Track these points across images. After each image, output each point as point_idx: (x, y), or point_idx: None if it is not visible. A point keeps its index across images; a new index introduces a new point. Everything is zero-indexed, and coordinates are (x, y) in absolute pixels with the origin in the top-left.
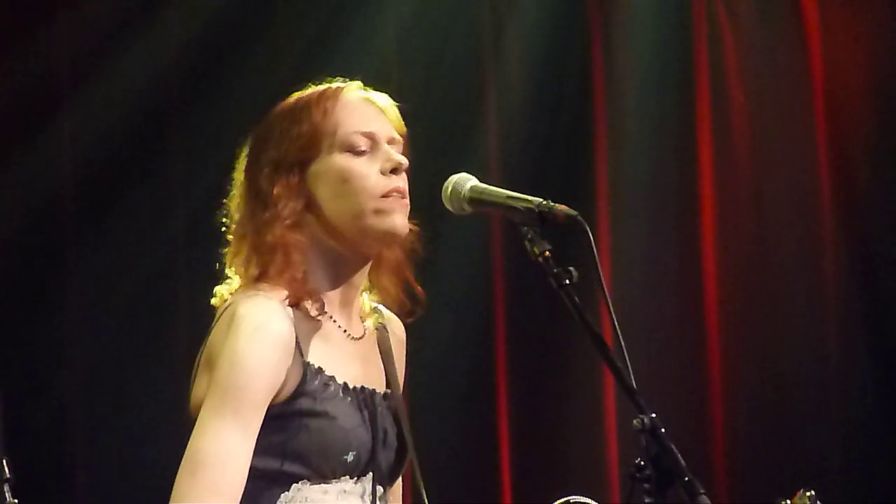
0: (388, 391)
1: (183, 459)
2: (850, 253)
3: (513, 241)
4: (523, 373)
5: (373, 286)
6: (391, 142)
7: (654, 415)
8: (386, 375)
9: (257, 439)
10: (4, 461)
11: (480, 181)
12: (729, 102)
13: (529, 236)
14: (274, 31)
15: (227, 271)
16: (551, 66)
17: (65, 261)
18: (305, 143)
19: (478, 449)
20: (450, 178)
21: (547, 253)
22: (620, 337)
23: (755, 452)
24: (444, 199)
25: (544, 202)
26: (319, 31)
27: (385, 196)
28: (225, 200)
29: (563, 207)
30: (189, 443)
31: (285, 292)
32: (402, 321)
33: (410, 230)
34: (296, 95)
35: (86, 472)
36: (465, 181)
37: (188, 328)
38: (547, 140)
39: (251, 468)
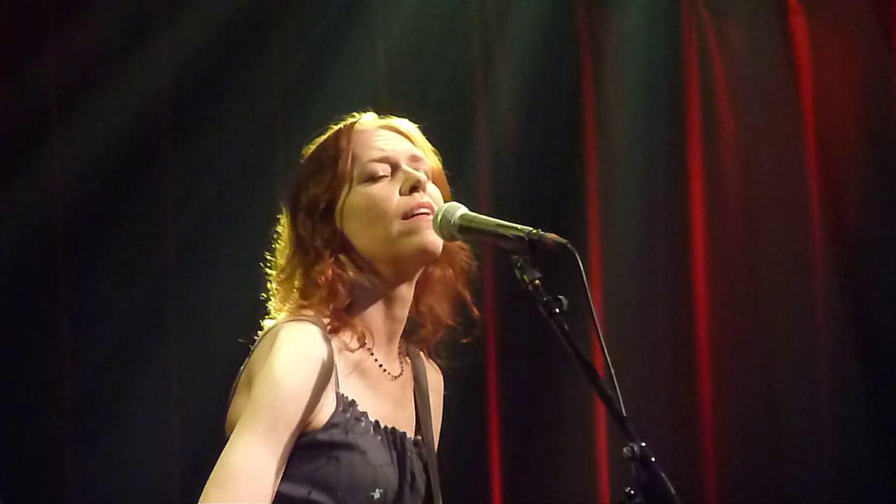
0: (419, 438)
1: (213, 471)
2: (842, 280)
3: (503, 269)
4: (514, 402)
5: (417, 309)
6: (413, 159)
7: (644, 443)
8: (418, 421)
9: (287, 466)
10: None
11: (470, 209)
12: (719, 129)
13: (519, 265)
14: (264, 58)
15: (273, 308)
16: (541, 93)
17: (56, 285)
18: (328, 184)
19: (469, 478)
20: (440, 207)
21: (537, 281)
22: (611, 365)
23: (746, 481)
24: (434, 227)
25: (534, 230)
26: (310, 58)
27: (408, 216)
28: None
29: (553, 236)
30: (221, 456)
31: (328, 321)
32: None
33: (461, 248)
34: (320, 137)
35: (77, 497)
36: (454, 209)
37: (179, 353)
38: (537, 168)
39: (278, 493)
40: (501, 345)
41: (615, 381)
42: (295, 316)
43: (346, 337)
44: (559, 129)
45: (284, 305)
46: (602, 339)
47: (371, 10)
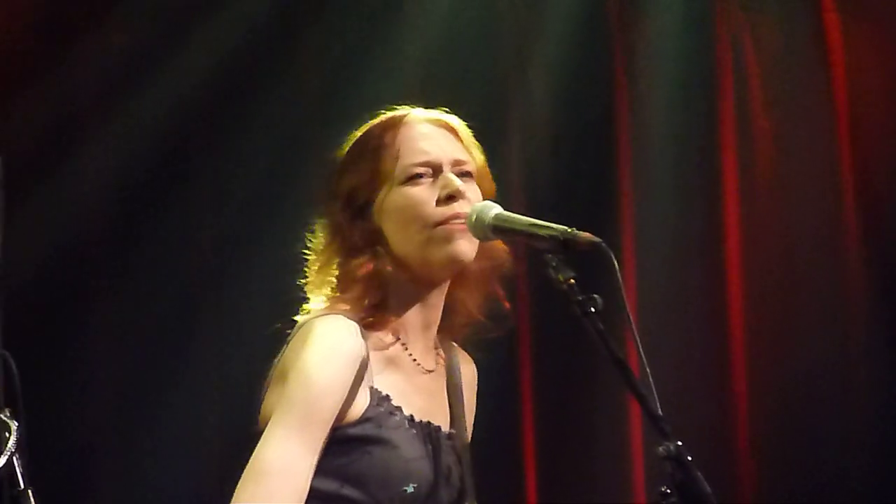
0: (453, 431)
1: (247, 466)
2: (876, 275)
3: (538, 268)
4: (548, 401)
5: (448, 301)
6: (456, 164)
7: (679, 442)
8: (451, 415)
9: (320, 460)
10: (30, 491)
11: (504, 209)
12: (753, 128)
13: (553, 264)
14: (298, 60)
15: (309, 295)
16: (575, 93)
17: (91, 290)
18: (370, 178)
19: (503, 477)
20: (474, 206)
21: (571, 280)
22: (646, 364)
23: (782, 480)
24: (468, 227)
25: (568, 230)
26: (343, 59)
27: (442, 224)
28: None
29: (587, 235)
30: (255, 451)
31: (363, 315)
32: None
33: (498, 248)
34: (367, 125)
35: (113, 494)
36: (489, 209)
37: (215, 356)
38: (571, 167)
39: (310, 488)
40: (536, 342)
41: (650, 379)
42: (329, 310)
43: (381, 332)
44: (593, 127)
45: (320, 292)
46: (637, 337)
47: (405, 10)
